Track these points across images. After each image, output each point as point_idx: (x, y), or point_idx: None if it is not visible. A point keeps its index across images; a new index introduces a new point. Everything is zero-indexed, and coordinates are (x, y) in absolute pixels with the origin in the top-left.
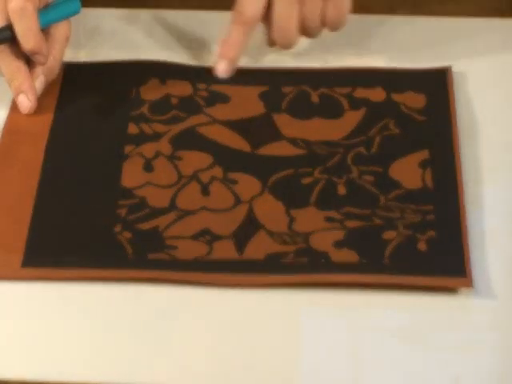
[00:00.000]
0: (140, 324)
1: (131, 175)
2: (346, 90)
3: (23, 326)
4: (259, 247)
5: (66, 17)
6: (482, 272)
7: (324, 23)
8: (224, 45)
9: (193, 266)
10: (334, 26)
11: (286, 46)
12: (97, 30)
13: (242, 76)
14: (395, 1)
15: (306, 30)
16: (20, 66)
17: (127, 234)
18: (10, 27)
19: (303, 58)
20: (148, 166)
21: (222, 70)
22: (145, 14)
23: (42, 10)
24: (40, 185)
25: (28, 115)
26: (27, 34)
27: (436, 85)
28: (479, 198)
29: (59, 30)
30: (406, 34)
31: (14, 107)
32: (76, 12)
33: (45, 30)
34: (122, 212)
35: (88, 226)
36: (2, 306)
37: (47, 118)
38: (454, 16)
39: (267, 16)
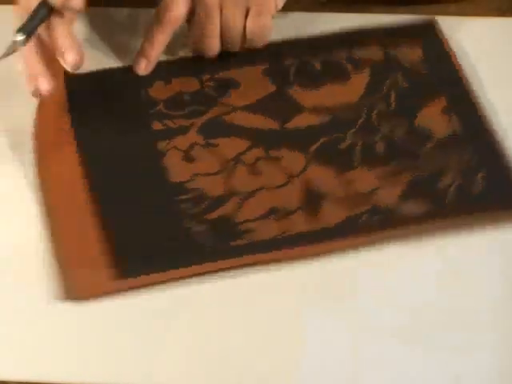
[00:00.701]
0: (140, 324)
1: (176, 169)
2: (343, 53)
3: (23, 326)
4: (331, 214)
5: None
6: None
7: (244, 34)
8: (146, 43)
9: (274, 244)
10: (255, 39)
11: (206, 50)
12: (95, 30)
13: (239, 58)
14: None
15: (226, 39)
16: None
17: (200, 227)
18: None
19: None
20: (188, 157)
21: (142, 68)
22: (143, 14)
23: None
24: (94, 200)
25: (50, 140)
26: None
27: (427, 34)
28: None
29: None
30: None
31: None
32: None
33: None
34: (186, 207)
35: (158, 229)
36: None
37: (69, 135)
38: (454, 16)
39: (190, 19)
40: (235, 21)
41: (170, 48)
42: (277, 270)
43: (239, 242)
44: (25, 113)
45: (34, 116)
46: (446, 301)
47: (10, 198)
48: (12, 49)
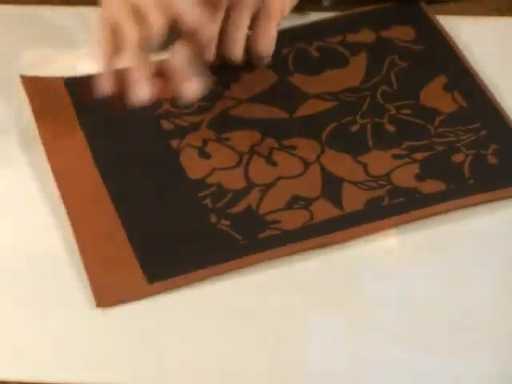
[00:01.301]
0: (140, 324)
1: (193, 166)
2: (337, 39)
3: (22, 326)
4: (354, 198)
5: None
6: None
7: (248, 42)
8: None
9: (302, 234)
10: (258, 48)
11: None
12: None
13: None
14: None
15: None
16: None
17: (225, 222)
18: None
19: None
20: (204, 154)
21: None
22: None
23: None
24: (115, 202)
25: (63, 145)
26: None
27: (415, 14)
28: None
29: None
30: None
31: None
32: None
33: None
34: (208, 202)
35: (184, 228)
36: (1, 306)
37: (80, 137)
38: (454, 16)
39: None
40: (239, 25)
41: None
42: (275, 270)
43: (268, 232)
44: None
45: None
46: (446, 301)
47: (29, 198)
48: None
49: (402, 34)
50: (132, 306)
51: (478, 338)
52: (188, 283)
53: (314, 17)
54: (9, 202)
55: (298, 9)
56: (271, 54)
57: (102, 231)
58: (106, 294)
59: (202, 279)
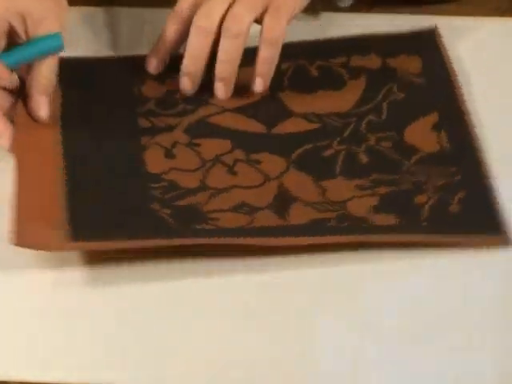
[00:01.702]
0: (140, 324)
1: (155, 163)
2: (341, 60)
3: (23, 325)
4: (301, 214)
5: (46, 53)
6: None
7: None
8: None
9: (237, 232)
10: (267, 41)
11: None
12: (88, 28)
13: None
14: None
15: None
16: None
17: (166, 211)
18: None
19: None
20: (169, 154)
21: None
22: (132, 12)
23: (15, 48)
24: (66, 163)
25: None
26: None
27: (427, 45)
28: (500, 155)
29: (42, 65)
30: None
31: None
32: (58, 49)
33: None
34: (156, 193)
35: (125, 205)
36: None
37: (55, 114)
38: (454, 16)
39: None
40: (243, 15)
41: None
42: (279, 271)
43: (203, 226)
44: None
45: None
46: (447, 301)
47: None
48: None
49: (407, 64)
50: (134, 305)
51: (478, 337)
52: (109, 249)
53: (326, 17)
54: None
55: (310, 9)
56: (277, 56)
57: (44, 184)
58: (26, 236)
59: (124, 249)
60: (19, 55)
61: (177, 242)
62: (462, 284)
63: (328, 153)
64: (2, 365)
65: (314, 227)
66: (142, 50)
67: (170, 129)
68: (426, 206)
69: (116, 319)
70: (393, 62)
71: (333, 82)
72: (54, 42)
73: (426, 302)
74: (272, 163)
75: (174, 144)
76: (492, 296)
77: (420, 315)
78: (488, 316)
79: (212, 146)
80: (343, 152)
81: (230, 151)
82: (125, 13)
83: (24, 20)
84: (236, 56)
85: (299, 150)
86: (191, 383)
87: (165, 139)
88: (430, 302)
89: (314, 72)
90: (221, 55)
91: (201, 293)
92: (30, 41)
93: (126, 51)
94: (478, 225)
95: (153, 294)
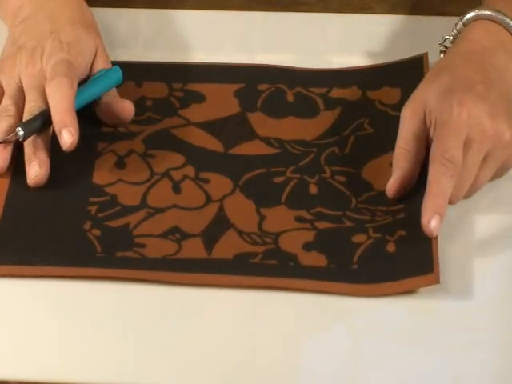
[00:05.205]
0: (139, 324)
1: (103, 172)
2: (321, 90)
3: (21, 325)
4: (228, 247)
5: (107, 90)
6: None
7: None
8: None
9: (161, 264)
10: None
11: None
12: None
13: (219, 73)
14: (396, 0)
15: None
16: None
17: (96, 232)
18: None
19: (281, 54)
20: (120, 163)
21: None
22: (125, 13)
23: (81, 88)
24: (11, 180)
25: None
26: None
27: (411, 76)
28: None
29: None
30: (405, 34)
31: None
32: (119, 81)
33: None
34: (93, 209)
35: (58, 224)
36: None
37: None
38: (453, 16)
39: None
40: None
41: (146, 50)
42: None
43: (127, 254)
44: None
45: None
46: (446, 301)
47: None
48: (13, 137)
49: (387, 96)
50: (134, 305)
51: (478, 338)
52: (24, 276)
53: (325, 17)
54: None
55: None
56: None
57: None
58: None
59: (43, 276)
60: (88, 94)
61: (97, 272)
62: (462, 284)
63: (279, 179)
64: (2, 365)
65: (236, 264)
66: (139, 51)
67: (130, 136)
68: (362, 247)
69: (116, 319)
70: (372, 95)
71: (306, 110)
72: (116, 76)
73: (426, 301)
74: (219, 184)
75: (129, 152)
76: (492, 295)
77: (420, 315)
78: (488, 316)
79: (165, 159)
80: (295, 180)
81: (182, 166)
82: (125, 13)
83: (84, 58)
84: None
85: (250, 174)
86: (191, 383)
87: (121, 146)
88: (429, 301)
89: (291, 97)
90: None
91: (201, 293)
92: (92, 79)
93: (123, 51)
94: (409, 264)
95: (153, 294)
